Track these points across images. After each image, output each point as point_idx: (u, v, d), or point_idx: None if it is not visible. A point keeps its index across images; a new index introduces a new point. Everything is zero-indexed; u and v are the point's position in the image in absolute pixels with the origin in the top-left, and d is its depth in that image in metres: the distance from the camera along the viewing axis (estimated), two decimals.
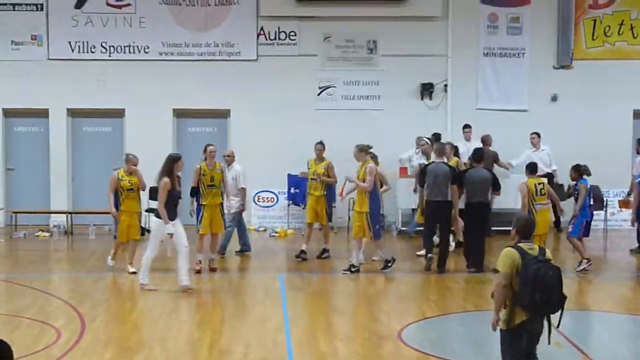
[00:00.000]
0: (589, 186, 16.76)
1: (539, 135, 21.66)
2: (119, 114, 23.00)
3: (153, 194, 21.56)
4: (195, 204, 16.85)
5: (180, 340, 11.65)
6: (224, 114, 23.15)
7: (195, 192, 16.82)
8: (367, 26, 22.89)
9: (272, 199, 22.71)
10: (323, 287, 15.33)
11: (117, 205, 16.42)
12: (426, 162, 17.86)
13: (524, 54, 23.05)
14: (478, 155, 17.04)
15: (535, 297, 7.86)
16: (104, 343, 11.34)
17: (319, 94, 23.02)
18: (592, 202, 16.85)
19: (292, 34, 22.88)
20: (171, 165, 14.68)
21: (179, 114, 23.16)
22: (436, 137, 20.31)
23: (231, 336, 11.87)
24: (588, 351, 10.30)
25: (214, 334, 11.86)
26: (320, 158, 17.88)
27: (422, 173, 16.99)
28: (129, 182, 16.30)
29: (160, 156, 21.92)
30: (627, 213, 19.97)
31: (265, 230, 22.18)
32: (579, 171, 16.75)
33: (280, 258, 18.89)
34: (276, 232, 21.68)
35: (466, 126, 21.82)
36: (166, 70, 22.71)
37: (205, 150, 16.91)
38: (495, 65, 23.05)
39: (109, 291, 15.09)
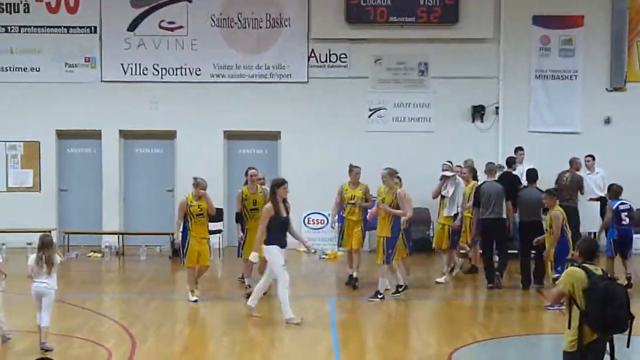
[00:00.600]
0: (615, 206, 17.15)
1: (593, 157, 21.39)
2: (170, 135, 23.15)
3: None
4: (241, 230, 16.36)
5: None
6: (274, 136, 23.21)
7: (239, 218, 16.37)
8: (418, 48, 22.86)
9: (322, 221, 22.69)
10: (373, 310, 15.21)
11: (184, 231, 15.80)
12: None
13: (576, 76, 22.86)
14: (531, 175, 17.52)
15: (608, 311, 7.95)
16: None
17: (369, 116, 23.01)
18: (623, 222, 17.07)
19: (343, 56, 22.91)
20: (274, 190, 14.15)
21: (230, 135, 23.25)
22: (509, 161, 20.34)
23: (281, 359, 11.85)
24: None
25: (263, 357, 11.87)
26: (356, 182, 17.30)
27: (476, 192, 17.36)
28: (199, 207, 15.64)
29: (211, 177, 22.26)
30: None
31: (315, 252, 22.15)
32: (610, 192, 17.53)
33: (330, 280, 18.86)
34: (326, 254, 21.64)
35: (519, 149, 21.64)
36: (217, 92, 22.83)
37: (246, 174, 16.63)
38: (547, 87, 22.88)
39: (160, 313, 15.11)
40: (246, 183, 16.64)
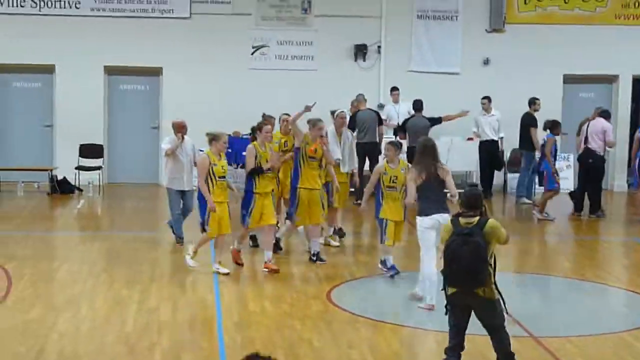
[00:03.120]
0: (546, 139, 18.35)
1: (489, 99, 21.48)
2: (49, 69, 22.65)
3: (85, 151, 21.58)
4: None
5: (108, 299, 11.62)
6: (156, 72, 22.93)
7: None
8: None
9: None
10: (254, 249, 15.20)
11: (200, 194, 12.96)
12: None
13: (457, 16, 23.13)
14: (418, 106, 20.21)
15: (452, 267, 8.08)
16: (30, 302, 11.26)
17: (252, 54, 22.90)
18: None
19: None
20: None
21: (111, 71, 22.89)
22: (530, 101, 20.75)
23: (160, 295, 11.85)
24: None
25: (142, 293, 11.83)
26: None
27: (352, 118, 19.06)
28: (222, 168, 13.04)
29: (91, 113, 22.03)
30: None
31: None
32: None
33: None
34: None
35: (394, 89, 21.90)
36: (98, 27, 22.39)
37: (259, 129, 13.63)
38: (428, 27, 23.10)
39: (37, 249, 14.90)
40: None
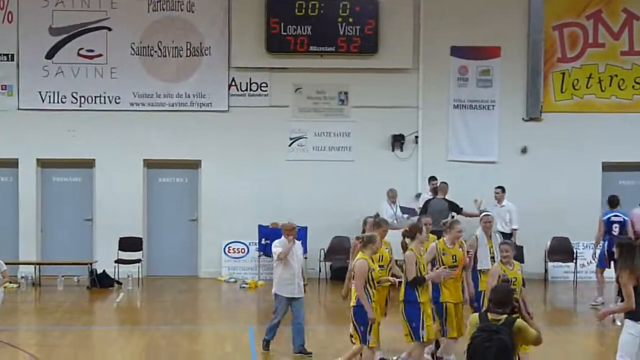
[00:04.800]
0: (607, 217, 18.57)
1: (503, 190, 21.23)
2: (89, 164, 22.88)
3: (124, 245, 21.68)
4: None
5: None
6: (194, 165, 23.09)
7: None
8: (338, 77, 22.97)
9: (242, 250, 22.56)
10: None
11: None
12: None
13: (494, 106, 23.17)
14: (442, 187, 20.75)
15: None
16: None
17: (289, 145, 23.01)
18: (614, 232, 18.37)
19: (264, 85, 22.93)
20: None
21: (150, 164, 23.07)
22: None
23: None
24: None
25: None
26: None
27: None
28: (380, 272, 12.13)
29: (131, 206, 22.15)
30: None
31: (235, 281, 22.03)
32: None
33: (250, 310, 18.76)
34: (246, 284, 21.53)
35: (432, 178, 21.75)
36: (137, 121, 22.62)
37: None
38: (465, 117, 23.14)
39: (77, 344, 14.89)
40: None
